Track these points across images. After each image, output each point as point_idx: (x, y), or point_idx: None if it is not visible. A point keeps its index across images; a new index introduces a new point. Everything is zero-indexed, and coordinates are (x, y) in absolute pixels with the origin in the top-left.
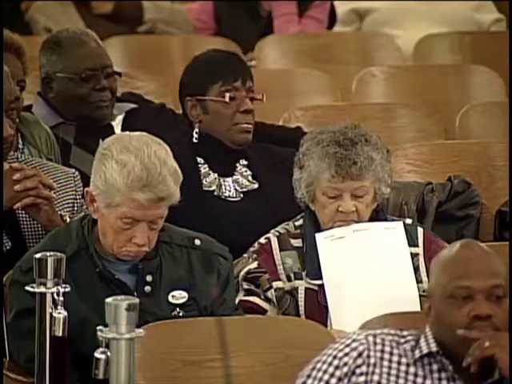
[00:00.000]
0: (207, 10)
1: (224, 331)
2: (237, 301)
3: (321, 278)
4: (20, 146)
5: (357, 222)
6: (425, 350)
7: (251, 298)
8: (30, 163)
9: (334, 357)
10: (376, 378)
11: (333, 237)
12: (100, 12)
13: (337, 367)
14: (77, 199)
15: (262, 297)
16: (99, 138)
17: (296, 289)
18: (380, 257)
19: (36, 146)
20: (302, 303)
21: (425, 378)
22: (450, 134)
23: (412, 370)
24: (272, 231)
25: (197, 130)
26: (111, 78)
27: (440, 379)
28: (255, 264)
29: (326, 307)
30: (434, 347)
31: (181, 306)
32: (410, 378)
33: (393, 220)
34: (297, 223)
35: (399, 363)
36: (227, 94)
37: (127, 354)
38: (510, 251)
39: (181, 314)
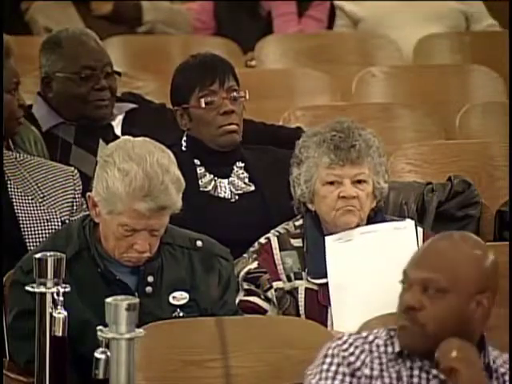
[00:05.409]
0: (207, 9)
1: (224, 331)
2: (237, 301)
3: (321, 277)
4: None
5: (358, 211)
6: (396, 349)
7: (251, 298)
8: (29, 162)
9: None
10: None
11: (341, 240)
12: (99, 13)
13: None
14: (76, 198)
15: (262, 297)
16: (99, 137)
17: (296, 289)
18: (389, 258)
19: (25, 149)
20: (301, 303)
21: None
22: (450, 134)
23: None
24: (272, 231)
25: (185, 138)
26: (111, 78)
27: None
28: (255, 264)
29: (326, 307)
30: (397, 347)
31: (181, 307)
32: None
33: (392, 220)
34: (297, 223)
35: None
36: (202, 100)
37: (127, 353)
38: (510, 251)
39: (181, 315)
